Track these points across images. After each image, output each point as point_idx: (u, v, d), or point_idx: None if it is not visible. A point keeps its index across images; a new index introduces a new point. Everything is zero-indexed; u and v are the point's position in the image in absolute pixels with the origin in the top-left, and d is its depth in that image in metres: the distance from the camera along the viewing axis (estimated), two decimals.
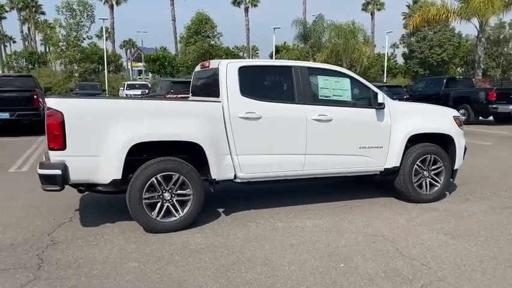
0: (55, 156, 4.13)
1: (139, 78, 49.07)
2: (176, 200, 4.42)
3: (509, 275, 3.47)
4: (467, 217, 4.99)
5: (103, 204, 5.35)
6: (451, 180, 5.89)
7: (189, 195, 4.44)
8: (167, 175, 4.34)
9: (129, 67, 59.01)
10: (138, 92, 25.18)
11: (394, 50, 57.19)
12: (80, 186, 4.56)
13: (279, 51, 45.27)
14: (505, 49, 47.76)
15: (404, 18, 50.44)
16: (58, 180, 4.07)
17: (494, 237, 4.31)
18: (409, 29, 30.71)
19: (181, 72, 40.51)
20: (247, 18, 55.13)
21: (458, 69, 48.76)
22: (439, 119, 5.83)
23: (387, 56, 46.15)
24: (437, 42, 42.97)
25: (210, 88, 5.06)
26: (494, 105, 16.12)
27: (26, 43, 58.33)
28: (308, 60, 31.26)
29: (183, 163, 4.42)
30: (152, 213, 4.32)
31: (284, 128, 4.88)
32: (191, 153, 4.55)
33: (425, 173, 5.52)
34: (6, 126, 12.56)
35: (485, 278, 3.39)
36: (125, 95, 25.53)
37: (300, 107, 4.94)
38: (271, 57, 43.80)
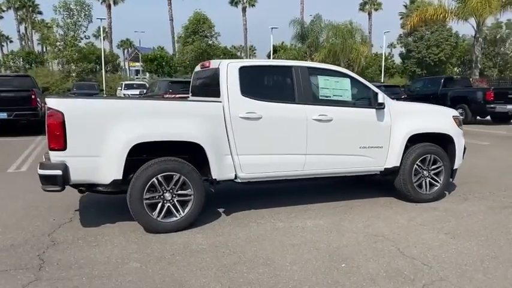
0: (56, 156, 4.11)
1: (137, 78, 48.95)
2: (177, 200, 4.41)
3: (510, 274, 3.48)
4: (467, 217, 5.01)
5: (102, 204, 5.34)
6: (451, 180, 5.90)
7: (190, 195, 4.44)
8: (168, 175, 4.34)
9: (127, 67, 58.87)
10: (136, 91, 25.20)
11: (391, 50, 57.27)
12: (80, 187, 4.55)
13: (277, 51, 45.26)
14: (501, 49, 47.89)
15: (401, 18, 50.53)
16: (59, 181, 4.05)
17: (494, 237, 4.32)
18: (407, 28, 30.74)
19: (179, 72, 40.47)
20: (244, 18, 55.08)
21: (455, 69, 48.89)
22: (439, 119, 5.84)
23: (384, 55, 46.23)
24: (435, 42, 43.05)
25: (210, 88, 5.05)
26: (492, 105, 16.19)
27: (23, 43, 58.12)
28: (306, 60, 31.27)
29: (183, 163, 4.42)
30: (153, 214, 4.31)
31: (284, 128, 4.88)
32: (192, 154, 4.54)
33: (425, 172, 5.53)
34: (4, 126, 12.50)
35: (487, 278, 3.40)
36: (122, 95, 25.49)
37: (301, 107, 4.94)
38: (269, 57, 43.84)
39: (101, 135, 4.16)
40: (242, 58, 51.00)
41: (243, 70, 4.78)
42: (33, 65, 42.41)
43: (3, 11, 59.24)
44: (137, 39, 68.13)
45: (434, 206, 5.40)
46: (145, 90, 22.12)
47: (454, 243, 4.15)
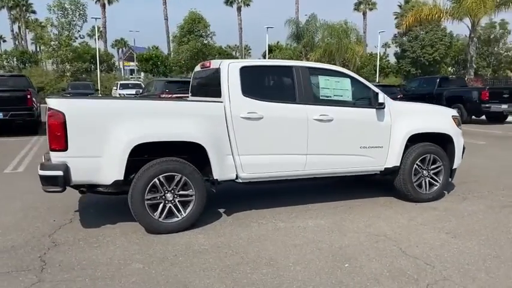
0: (56, 157, 4.08)
1: (132, 78, 48.77)
2: (178, 201, 4.39)
3: None
4: (467, 216, 5.03)
5: (102, 205, 5.30)
6: (450, 179, 5.93)
7: (192, 195, 4.42)
8: (169, 176, 4.32)
9: (121, 66, 58.62)
10: (132, 91, 25.04)
11: (385, 50, 57.43)
12: (81, 187, 4.51)
13: (272, 50, 45.32)
14: (495, 49, 48.22)
15: (396, 18, 50.70)
16: (60, 182, 4.02)
17: (495, 236, 4.34)
18: (402, 28, 30.86)
19: (174, 72, 40.38)
20: (239, 18, 55.04)
21: (450, 68, 49.15)
22: (439, 118, 5.87)
23: (379, 55, 46.37)
24: (429, 42, 43.25)
25: (210, 88, 5.04)
26: (487, 105, 16.31)
27: (17, 42, 57.69)
28: (301, 60, 31.31)
29: (185, 163, 4.40)
30: (154, 214, 4.29)
31: (286, 128, 4.88)
32: (193, 154, 4.53)
33: (424, 172, 5.55)
34: None
35: (490, 277, 3.42)
36: (118, 95, 25.34)
37: (302, 107, 4.94)
38: (264, 56, 43.89)
39: (102, 135, 4.13)
40: (237, 58, 50.93)
41: (244, 70, 4.78)
42: (27, 64, 42.07)
43: None
44: (132, 39, 67.96)
45: (434, 206, 5.42)
46: (141, 90, 22.00)
47: (456, 242, 4.17)
